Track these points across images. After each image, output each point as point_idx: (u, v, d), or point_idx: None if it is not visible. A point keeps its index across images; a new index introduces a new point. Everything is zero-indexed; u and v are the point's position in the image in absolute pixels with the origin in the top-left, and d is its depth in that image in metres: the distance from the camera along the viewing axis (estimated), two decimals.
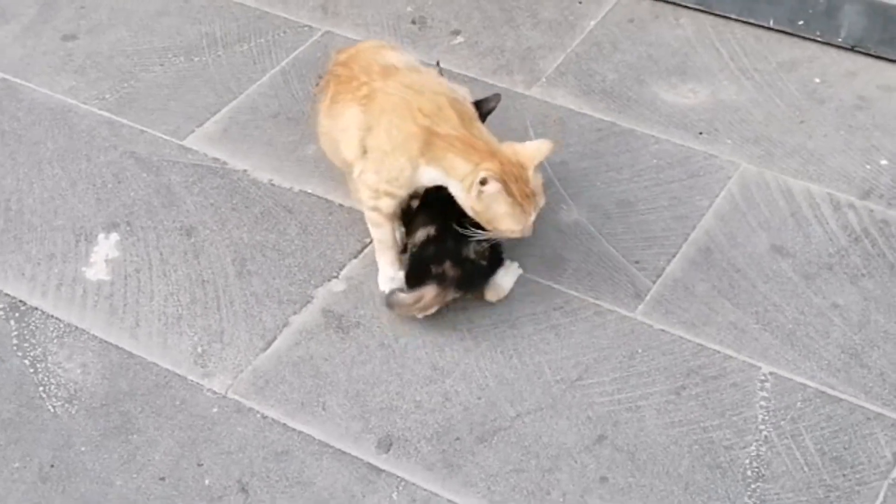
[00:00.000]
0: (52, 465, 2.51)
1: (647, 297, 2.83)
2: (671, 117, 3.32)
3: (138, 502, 2.44)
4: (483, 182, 2.52)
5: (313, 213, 3.05)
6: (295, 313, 2.81)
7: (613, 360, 2.70)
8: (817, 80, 3.42)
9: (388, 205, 2.74)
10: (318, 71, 3.48)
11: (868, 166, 3.14)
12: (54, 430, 2.58)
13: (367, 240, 2.97)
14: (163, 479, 2.48)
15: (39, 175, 3.18)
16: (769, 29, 3.59)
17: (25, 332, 2.78)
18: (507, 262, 2.85)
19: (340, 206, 3.07)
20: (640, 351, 2.72)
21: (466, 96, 2.81)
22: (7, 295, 2.86)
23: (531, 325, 2.78)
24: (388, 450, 2.53)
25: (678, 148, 3.22)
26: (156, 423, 2.59)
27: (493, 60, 3.53)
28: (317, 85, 3.41)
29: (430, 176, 2.65)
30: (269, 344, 2.74)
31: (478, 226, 2.62)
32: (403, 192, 2.73)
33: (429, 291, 2.69)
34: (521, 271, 2.87)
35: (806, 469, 2.47)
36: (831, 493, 2.43)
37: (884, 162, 3.15)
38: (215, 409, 2.61)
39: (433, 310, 2.76)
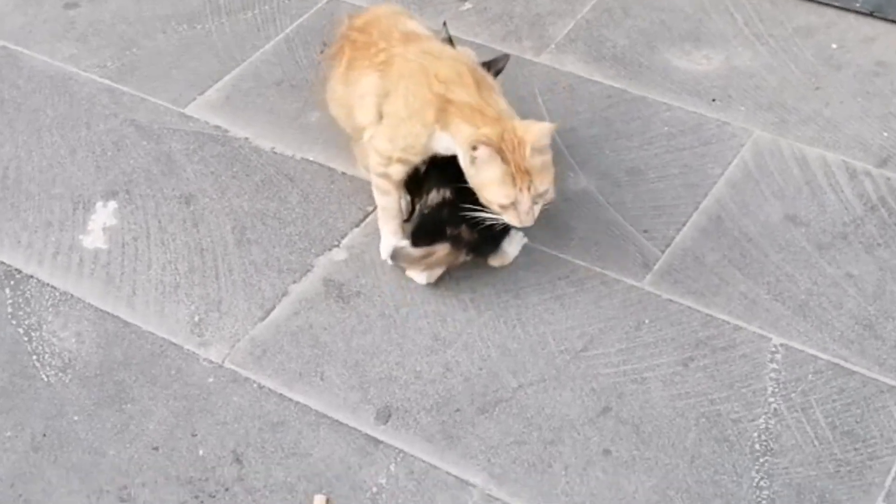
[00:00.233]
0: (45, 435, 2.46)
1: (656, 267, 2.76)
2: (683, 84, 3.24)
3: (131, 472, 2.39)
4: (475, 148, 2.44)
5: (315, 182, 2.99)
6: (295, 282, 2.75)
7: (619, 331, 2.63)
8: (834, 46, 3.33)
9: (399, 172, 2.67)
10: (323, 38, 3.41)
11: (885, 133, 3.05)
12: (47, 399, 2.53)
13: (370, 208, 2.90)
14: (156, 448, 2.43)
15: (38, 143, 3.12)
16: None
17: (20, 300, 2.73)
18: (513, 230, 2.77)
19: (343, 174, 3.01)
20: (647, 321, 2.65)
21: (473, 56, 2.74)
22: (2, 263, 2.81)
23: (536, 295, 2.71)
24: (387, 421, 2.46)
25: (690, 115, 3.14)
26: (150, 393, 2.53)
27: (501, 27, 3.45)
28: (321, 52, 3.36)
29: (444, 143, 2.58)
30: (268, 313, 2.69)
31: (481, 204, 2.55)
32: (417, 160, 2.66)
33: (441, 249, 2.62)
34: (525, 240, 2.80)
35: (816, 443, 2.40)
36: (842, 467, 2.36)
37: None
38: (211, 379, 2.56)
39: (439, 270, 2.70)
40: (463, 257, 2.64)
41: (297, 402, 2.50)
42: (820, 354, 2.56)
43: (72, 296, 2.73)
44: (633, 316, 2.65)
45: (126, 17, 3.54)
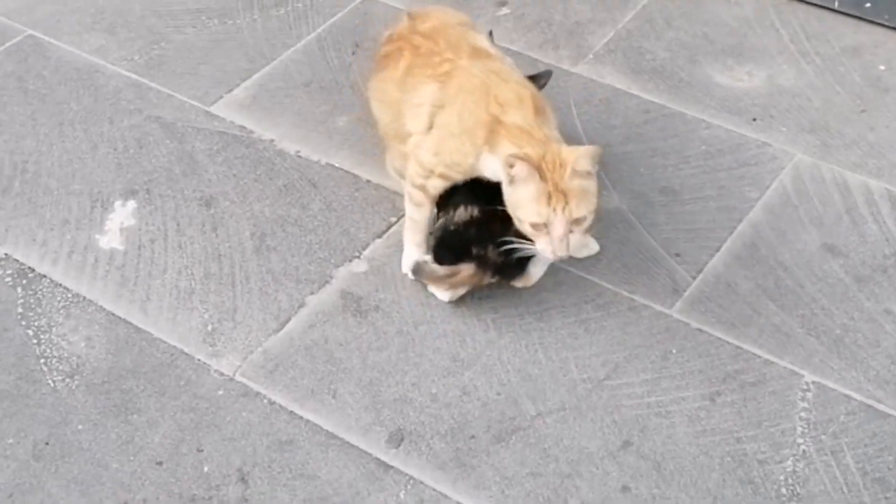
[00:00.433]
0: (47, 443, 2.40)
1: (686, 294, 2.66)
2: (724, 101, 3.13)
3: (133, 487, 2.32)
4: (511, 165, 2.35)
5: (339, 188, 2.91)
6: (312, 293, 2.68)
7: (645, 360, 2.53)
8: (882, 68, 3.21)
9: (437, 186, 2.56)
10: (356, 39, 3.33)
11: None
12: (52, 405, 2.47)
13: (393, 219, 2.82)
14: (160, 463, 2.36)
15: (60, 137, 3.06)
16: (833, 11, 3.38)
17: (31, 300, 2.67)
18: None
19: (368, 181, 2.92)
20: (674, 351, 2.55)
21: (512, 66, 2.64)
22: (16, 261, 2.75)
23: (559, 318, 2.62)
24: (399, 445, 2.38)
25: (730, 134, 3.03)
26: (158, 404, 2.46)
27: (539, 34, 3.35)
28: (353, 53, 3.28)
29: (490, 166, 2.45)
30: (283, 325, 2.61)
31: (518, 234, 2.46)
32: (459, 178, 2.54)
33: (466, 269, 2.54)
34: (552, 257, 2.70)
35: (845, 489, 2.29)
36: None
37: None
38: (221, 392, 2.48)
39: (461, 290, 2.61)
40: (488, 279, 2.56)
41: (308, 421, 2.43)
42: (853, 395, 2.45)
43: (84, 298, 2.67)
44: (660, 345, 2.56)
45: (156, 10, 3.47)
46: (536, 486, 2.31)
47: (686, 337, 2.57)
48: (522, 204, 2.38)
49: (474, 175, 2.52)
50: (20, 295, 2.68)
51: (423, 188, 2.58)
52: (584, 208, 2.36)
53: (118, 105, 3.15)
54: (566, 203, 2.34)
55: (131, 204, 2.88)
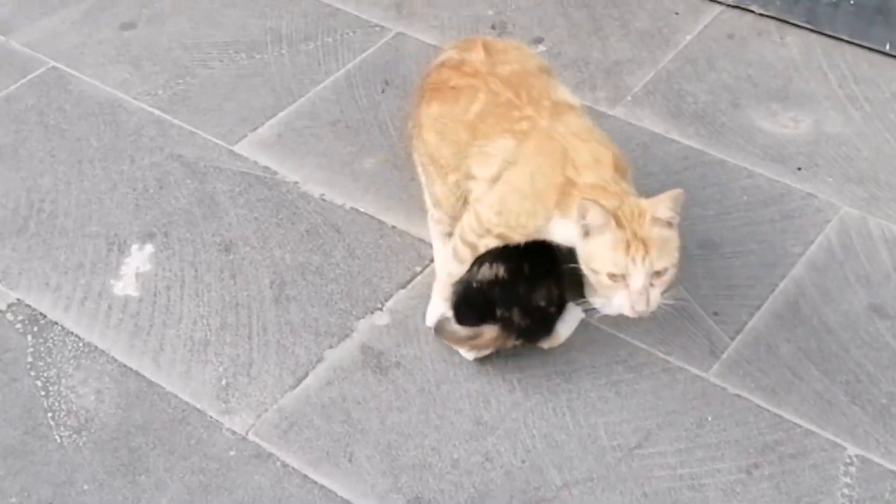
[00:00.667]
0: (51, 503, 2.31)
1: (724, 356, 2.53)
2: (767, 148, 3.00)
3: None
4: (584, 213, 2.17)
5: (363, 235, 2.80)
6: (331, 347, 2.57)
7: (679, 428, 2.40)
8: None
9: (490, 246, 2.41)
10: (385, 76, 3.23)
11: None
12: (58, 462, 2.37)
13: (418, 268, 2.71)
14: None
15: (79, 175, 2.98)
16: (885, 54, 3.23)
17: (42, 349, 2.58)
18: (570, 305, 2.56)
19: (393, 227, 2.81)
20: (710, 418, 2.42)
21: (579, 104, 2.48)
22: (28, 306, 2.67)
23: (589, 380, 2.49)
24: None
25: (773, 184, 2.90)
26: (167, 464, 2.36)
27: (575, 73, 3.23)
28: (383, 91, 3.17)
29: (561, 230, 2.30)
30: (300, 381, 2.50)
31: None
32: (518, 239, 2.38)
33: (489, 331, 2.42)
34: (583, 315, 2.58)
35: None
36: None
37: None
38: (232, 452, 2.38)
39: (485, 352, 2.50)
40: (512, 342, 2.44)
41: (322, 486, 2.31)
42: None
43: (96, 347, 2.58)
44: (695, 411, 2.43)
45: (183, 42, 3.38)
46: None
47: (723, 403, 2.44)
48: (597, 254, 2.21)
49: (538, 237, 2.36)
50: (30, 343, 2.59)
51: (473, 246, 2.43)
52: (665, 259, 2.20)
53: (139, 142, 3.06)
54: (646, 252, 2.17)
55: (148, 248, 2.79)
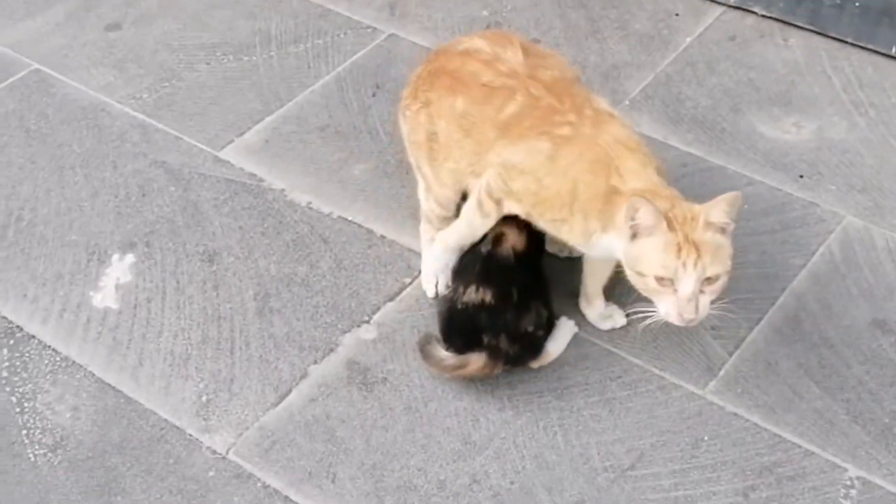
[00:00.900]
0: None
1: (722, 372, 2.44)
2: (769, 155, 2.91)
3: None
4: (634, 212, 2.07)
5: (351, 245, 2.72)
6: (315, 362, 2.48)
7: (674, 448, 2.32)
8: None
9: (512, 210, 2.33)
10: (377, 80, 3.14)
11: None
12: (31, 482, 2.29)
13: (407, 279, 2.63)
14: None
15: (59, 182, 2.90)
16: (891, 57, 3.14)
17: (18, 363, 2.50)
18: (562, 319, 2.49)
19: (382, 237, 2.73)
20: (706, 438, 2.33)
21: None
22: (4, 318, 2.59)
23: (582, 397, 2.41)
24: None
25: (774, 192, 2.81)
26: (143, 484, 2.28)
27: None
28: (373, 95, 3.08)
29: (603, 242, 2.22)
30: (282, 398, 2.42)
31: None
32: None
33: (475, 361, 2.34)
34: (576, 329, 2.51)
35: None
36: None
37: None
38: (212, 473, 2.30)
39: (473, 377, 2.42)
40: (499, 369, 2.35)
41: None
42: None
43: (73, 362, 2.50)
44: (690, 431, 2.34)
45: (169, 44, 3.30)
46: None
47: (720, 422, 2.36)
48: (646, 255, 2.10)
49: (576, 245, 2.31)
50: (6, 357, 2.51)
51: (499, 203, 2.33)
52: (718, 265, 2.10)
53: (122, 148, 2.98)
54: (698, 257, 2.08)
55: (129, 258, 2.70)
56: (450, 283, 2.47)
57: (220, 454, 2.33)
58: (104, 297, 2.63)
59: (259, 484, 2.28)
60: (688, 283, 2.08)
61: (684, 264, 2.07)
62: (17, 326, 2.57)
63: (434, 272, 2.57)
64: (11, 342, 2.54)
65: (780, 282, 2.61)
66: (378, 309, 2.59)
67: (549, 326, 2.40)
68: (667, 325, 2.31)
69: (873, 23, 3.12)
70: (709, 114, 3.03)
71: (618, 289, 2.49)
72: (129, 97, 3.12)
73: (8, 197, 2.85)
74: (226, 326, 2.56)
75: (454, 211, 2.52)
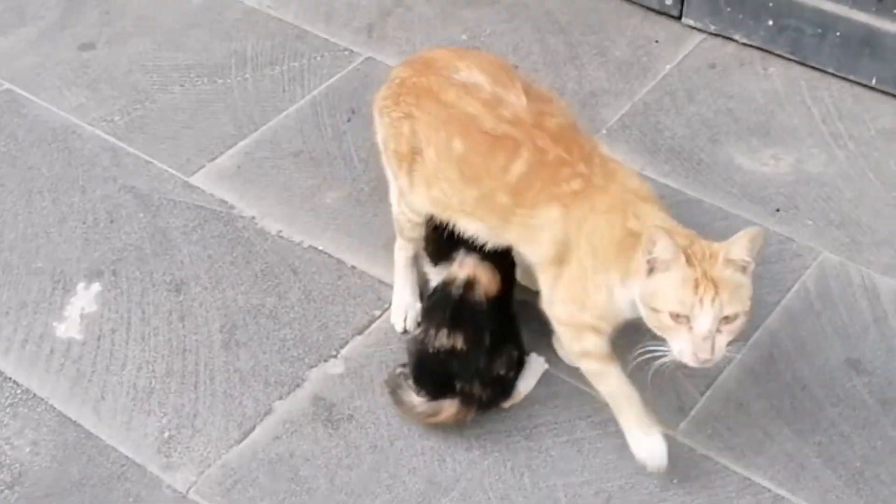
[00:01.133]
0: None
1: (693, 413, 2.41)
2: (746, 188, 2.87)
3: None
4: (652, 245, 2.00)
5: (320, 275, 2.68)
6: (281, 398, 2.45)
7: (642, 491, 2.28)
8: None
9: (598, 345, 2.23)
10: (352, 104, 3.10)
11: None
12: None
13: (377, 312, 2.60)
14: None
15: (27, 206, 2.85)
16: (871, 88, 3.11)
17: None
18: (532, 356, 2.45)
19: (353, 268, 2.69)
20: (675, 481, 2.30)
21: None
22: None
23: (551, 437, 2.37)
24: None
25: (749, 226, 2.76)
26: None
27: None
28: (348, 121, 3.05)
29: (625, 295, 2.12)
30: (246, 435, 2.38)
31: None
32: (608, 327, 2.22)
33: (448, 408, 2.31)
34: (546, 366, 2.48)
35: None
36: None
37: None
38: None
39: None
40: (472, 415, 2.32)
41: None
42: None
43: (34, 395, 2.45)
44: (660, 473, 2.30)
45: (143, 65, 3.25)
46: None
47: (689, 464, 2.32)
48: (662, 290, 2.02)
49: (614, 314, 2.20)
50: None
51: (587, 355, 2.25)
52: (737, 304, 2.02)
53: (92, 172, 2.94)
54: (716, 293, 2.00)
55: (95, 287, 2.66)
56: (419, 321, 2.44)
57: (181, 493, 2.29)
58: (68, 327, 2.59)
59: None
60: (704, 321, 2.01)
61: (701, 300, 1.99)
62: None
63: (404, 306, 2.53)
64: None
65: (755, 319, 2.57)
66: (346, 343, 2.55)
67: (519, 366, 2.37)
68: (639, 364, 2.27)
69: (854, 54, 3.09)
70: (686, 144, 3.00)
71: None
72: (101, 119, 3.08)
73: None
74: (191, 359, 2.52)
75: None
